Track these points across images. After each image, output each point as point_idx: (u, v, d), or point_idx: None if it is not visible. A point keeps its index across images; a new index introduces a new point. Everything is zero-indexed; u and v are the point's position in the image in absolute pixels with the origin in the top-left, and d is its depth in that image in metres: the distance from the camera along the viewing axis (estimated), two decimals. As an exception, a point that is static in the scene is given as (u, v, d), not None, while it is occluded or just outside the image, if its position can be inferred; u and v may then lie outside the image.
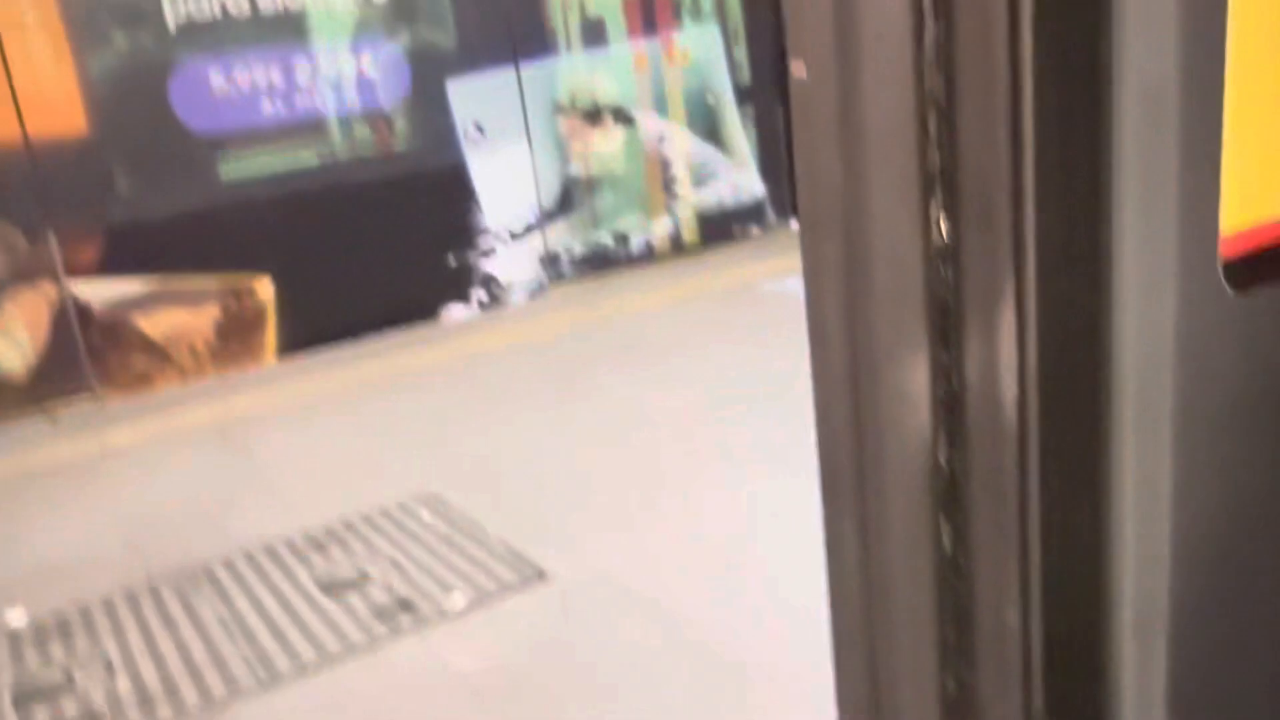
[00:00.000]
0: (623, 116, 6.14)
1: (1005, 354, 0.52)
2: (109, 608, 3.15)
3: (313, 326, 5.43)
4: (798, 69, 0.56)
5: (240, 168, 5.37)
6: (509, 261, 5.93)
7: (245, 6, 5.23)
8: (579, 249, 6.15)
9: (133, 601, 3.17)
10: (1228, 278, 0.57)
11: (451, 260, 5.78)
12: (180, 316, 5.20)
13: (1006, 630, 0.57)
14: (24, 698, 2.74)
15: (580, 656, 2.64)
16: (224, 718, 2.57)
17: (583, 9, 6.05)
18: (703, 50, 6.33)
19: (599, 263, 6.19)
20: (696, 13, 6.33)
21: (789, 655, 2.48)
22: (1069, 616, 0.56)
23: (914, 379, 0.56)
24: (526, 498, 3.57)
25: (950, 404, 0.55)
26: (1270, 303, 0.60)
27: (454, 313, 5.78)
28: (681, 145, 6.33)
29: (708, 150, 6.42)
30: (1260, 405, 0.60)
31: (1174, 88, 0.50)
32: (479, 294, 5.86)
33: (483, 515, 3.45)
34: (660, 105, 6.24)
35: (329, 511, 3.61)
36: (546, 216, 6.03)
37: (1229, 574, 0.63)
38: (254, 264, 5.34)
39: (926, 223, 0.53)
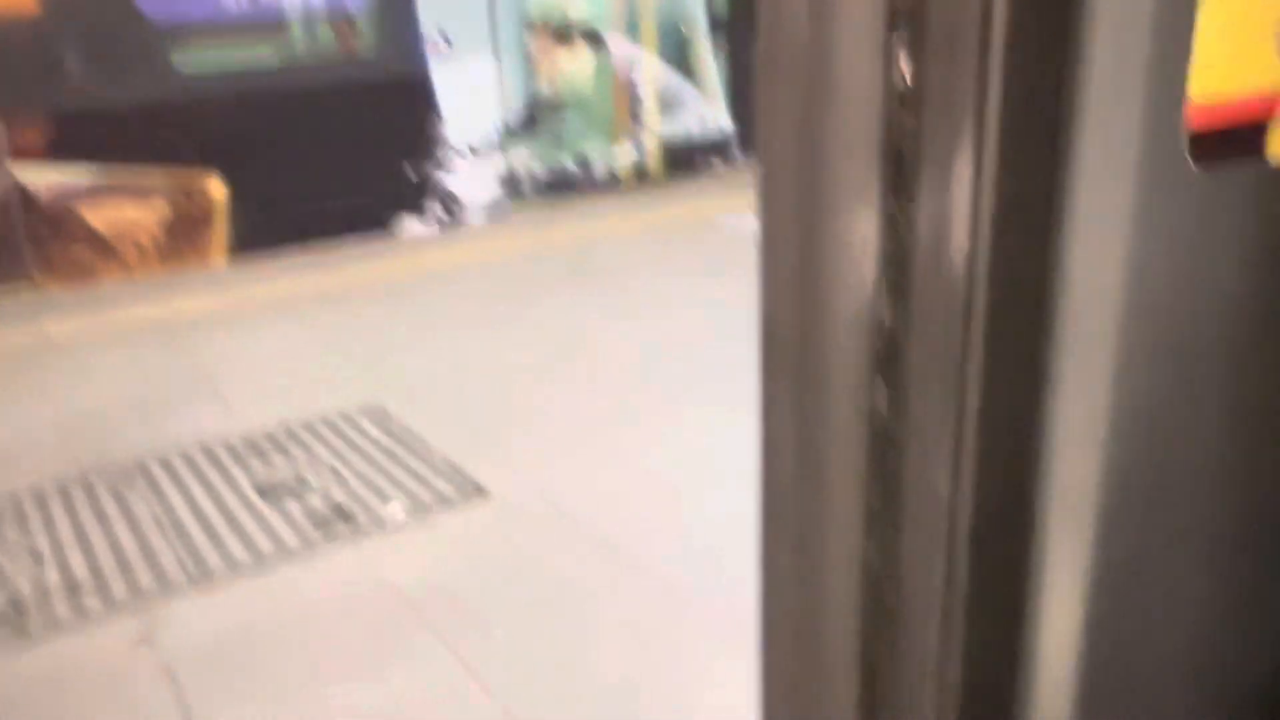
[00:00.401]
0: (593, 38, 6.01)
1: (959, 203, 0.50)
2: (40, 498, 3.08)
3: (264, 229, 5.31)
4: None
5: (197, 60, 5.20)
6: (469, 178, 5.82)
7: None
8: (541, 170, 6.05)
9: (65, 493, 3.10)
10: (1192, 151, 0.55)
11: (410, 173, 5.66)
12: (127, 210, 5.05)
13: (935, 497, 0.55)
14: None
15: (515, 574, 2.64)
16: (153, 611, 2.53)
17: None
18: (680, -24, 6.20)
19: (560, 186, 6.11)
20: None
21: (722, 581, 2.49)
22: (1000, 489, 0.55)
23: (862, 230, 0.53)
24: (472, 415, 3.54)
25: (898, 258, 0.53)
26: (1231, 186, 0.58)
27: (410, 226, 5.68)
28: (651, 73, 6.22)
29: (677, 80, 6.32)
30: (1210, 293, 0.59)
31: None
32: (437, 209, 5.76)
33: (426, 430, 3.42)
34: (632, 30, 6.11)
35: (271, 417, 3.55)
36: (510, 135, 5.92)
37: (1164, 467, 0.62)
38: (206, 161, 5.19)
39: (889, 62, 0.50)
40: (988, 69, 0.47)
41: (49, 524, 2.95)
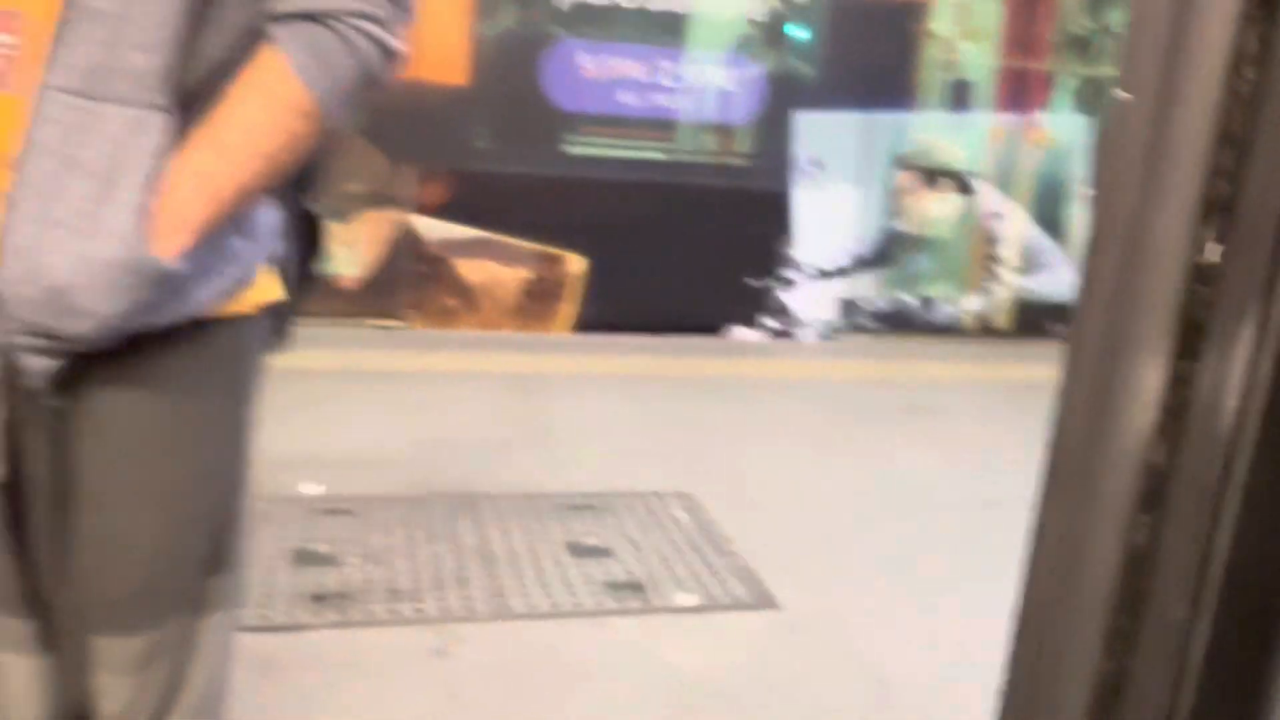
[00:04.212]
0: (963, 184, 6.12)
1: (1237, 367, 0.60)
2: (388, 505, 3.54)
3: (607, 310, 5.80)
4: (1124, 95, 0.66)
5: (585, 148, 5.84)
6: (808, 297, 6.06)
7: (633, 0, 5.65)
8: (882, 303, 6.19)
9: (408, 506, 3.55)
10: None
11: (752, 282, 5.99)
12: (496, 270, 5.71)
13: (1173, 623, 0.64)
14: (299, 558, 3.17)
15: (787, 687, 2.74)
16: (450, 629, 2.85)
17: (956, 69, 6.09)
18: (1066, 137, 6.20)
19: (898, 322, 6.21)
20: (1072, 98, 6.21)
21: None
22: (1236, 624, 0.62)
23: (1150, 383, 0.65)
24: (779, 526, 3.68)
25: (1177, 410, 0.64)
26: None
27: (741, 333, 5.98)
28: (1017, 227, 6.23)
29: (1044, 239, 6.28)
30: None
31: None
32: (770, 321, 6.03)
33: (733, 529, 3.59)
34: (1005, 182, 6.17)
35: (594, 481, 3.87)
36: (858, 264, 6.12)
37: None
38: (572, 238, 5.77)
39: (1199, 244, 0.62)
40: (1280, 262, 0.58)
41: (388, 530, 3.39)
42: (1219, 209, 0.61)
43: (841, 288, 6.11)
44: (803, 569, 3.35)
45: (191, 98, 1.24)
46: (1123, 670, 0.67)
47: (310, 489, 3.59)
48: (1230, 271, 0.61)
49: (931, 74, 6.06)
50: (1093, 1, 6.09)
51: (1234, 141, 0.60)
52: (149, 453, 1.36)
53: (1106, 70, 6.13)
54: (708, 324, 5.92)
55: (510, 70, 5.64)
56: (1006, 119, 6.09)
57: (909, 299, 6.20)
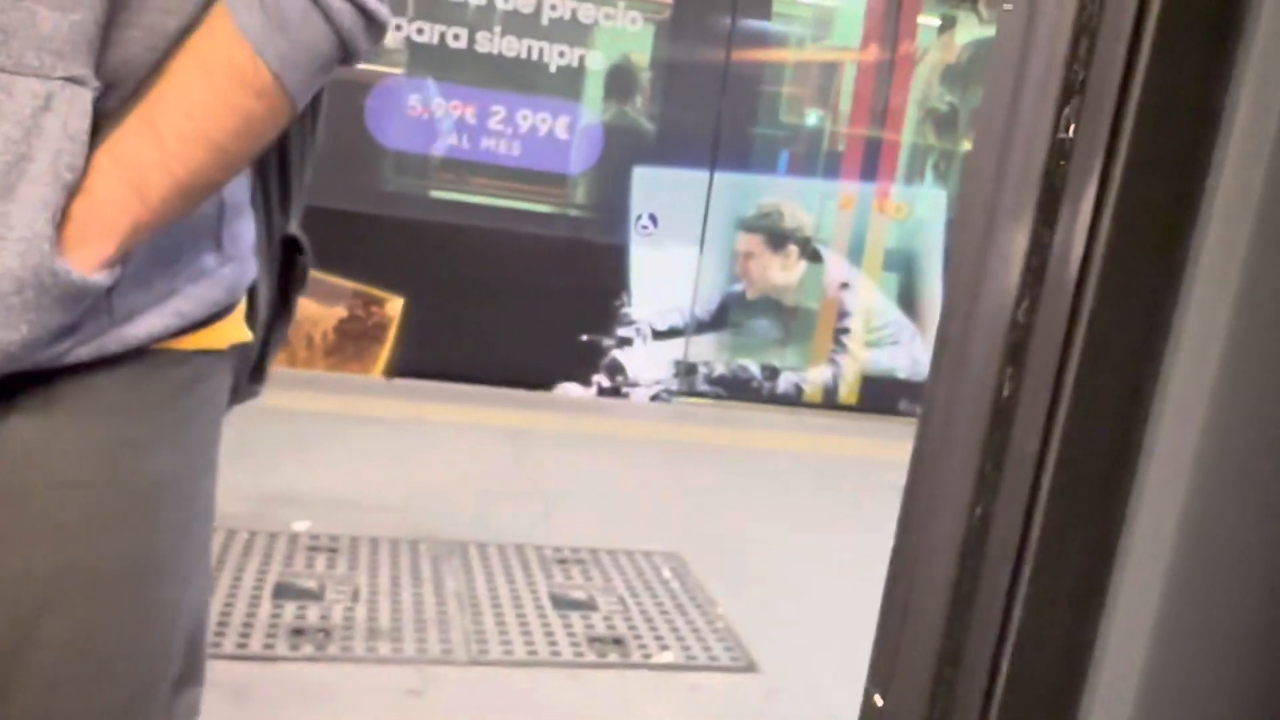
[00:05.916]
0: (809, 251, 6.49)
1: (1082, 219, 0.77)
2: (374, 546, 3.73)
3: (424, 356, 5.87)
4: (1005, 6, 0.85)
5: (407, 188, 5.95)
6: (643, 358, 6.27)
7: (465, 42, 5.85)
8: (721, 369, 6.44)
9: (394, 548, 3.74)
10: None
11: (584, 338, 6.16)
12: (310, 307, 5.70)
13: (1026, 459, 0.79)
14: (282, 591, 3.34)
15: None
16: (428, 672, 3.00)
17: (805, 134, 6.48)
18: (923, 210, 6.65)
19: (737, 389, 6.47)
20: (932, 170, 6.67)
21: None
22: (1087, 460, 0.78)
23: (1015, 245, 0.81)
24: (765, 591, 3.89)
25: (1038, 270, 0.80)
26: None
27: (569, 390, 6.13)
28: (866, 299, 6.62)
29: (896, 313, 6.68)
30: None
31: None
32: (601, 379, 6.20)
33: (718, 592, 3.82)
34: (855, 252, 6.57)
35: (581, 536, 4.10)
36: (697, 326, 6.37)
37: (1260, 449, 0.80)
38: (392, 281, 5.83)
39: (1058, 123, 0.80)
40: (1122, 122, 0.76)
41: (373, 571, 3.58)
42: (1075, 92, 0.78)
43: (678, 350, 6.34)
44: (785, 635, 3.57)
45: (132, 78, 1.06)
46: (986, 514, 0.81)
47: (297, 525, 3.80)
48: (1079, 142, 0.78)
49: (780, 136, 6.45)
50: (952, 76, 6.62)
51: (1088, 31, 0.77)
52: (88, 522, 1.11)
53: (968, 146, 6.66)
54: (535, 378, 6.05)
55: (333, 103, 5.69)
56: (857, 187, 6.51)
57: (751, 367, 6.49)
